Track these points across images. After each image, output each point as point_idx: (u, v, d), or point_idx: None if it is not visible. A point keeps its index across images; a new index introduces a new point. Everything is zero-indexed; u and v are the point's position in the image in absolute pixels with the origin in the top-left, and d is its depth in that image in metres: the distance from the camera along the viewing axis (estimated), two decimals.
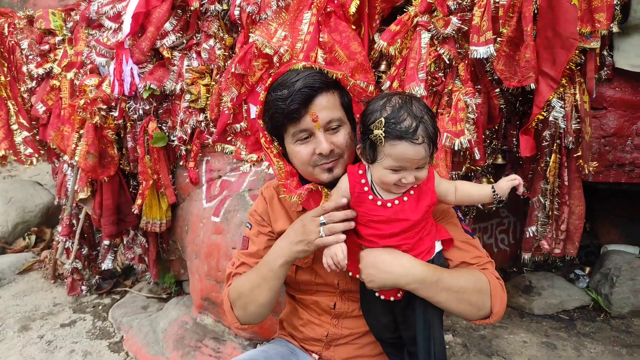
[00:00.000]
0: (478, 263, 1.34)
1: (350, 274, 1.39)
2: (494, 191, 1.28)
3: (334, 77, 1.30)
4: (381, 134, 1.12)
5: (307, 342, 1.57)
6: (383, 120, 1.12)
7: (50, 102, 3.30)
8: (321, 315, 1.53)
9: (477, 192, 1.32)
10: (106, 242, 3.26)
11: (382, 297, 1.30)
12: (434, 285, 1.22)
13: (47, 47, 3.29)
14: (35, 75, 3.34)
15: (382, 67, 2.43)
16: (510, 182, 1.27)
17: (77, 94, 2.97)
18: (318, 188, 1.35)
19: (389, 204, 1.21)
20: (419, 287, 1.22)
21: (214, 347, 2.53)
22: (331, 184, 1.34)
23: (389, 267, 1.22)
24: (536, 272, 3.07)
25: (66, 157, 3.03)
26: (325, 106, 1.26)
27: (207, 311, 2.70)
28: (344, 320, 1.51)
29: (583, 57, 2.05)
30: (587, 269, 3.03)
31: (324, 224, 1.26)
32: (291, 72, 1.27)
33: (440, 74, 2.22)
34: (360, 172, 1.26)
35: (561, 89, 2.04)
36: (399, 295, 1.29)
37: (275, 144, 1.38)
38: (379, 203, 1.22)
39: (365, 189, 1.24)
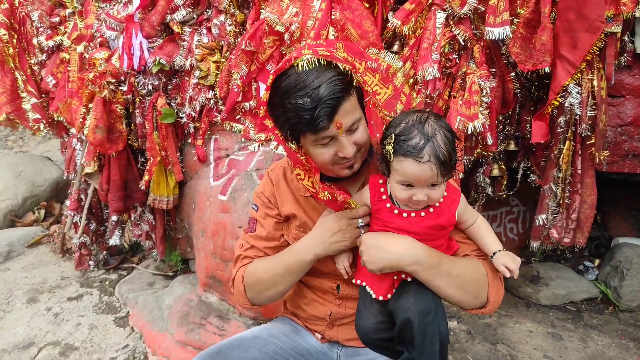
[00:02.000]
0: (479, 255, 1.33)
1: (353, 280, 1.37)
2: (491, 257, 1.26)
3: (347, 71, 1.17)
4: (390, 150, 1.15)
5: (310, 321, 1.56)
6: (393, 136, 1.15)
7: (60, 75, 3.29)
8: (325, 295, 1.52)
9: (481, 242, 1.30)
10: (114, 217, 3.28)
11: (381, 297, 1.27)
12: (433, 268, 1.21)
13: (57, 19, 3.27)
14: (46, 48, 3.33)
15: (395, 48, 2.38)
16: (503, 267, 1.21)
17: (87, 67, 2.95)
18: (345, 199, 1.31)
19: (404, 214, 1.23)
20: (419, 269, 1.21)
21: (218, 324, 2.54)
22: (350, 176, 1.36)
23: (390, 246, 1.21)
24: (544, 262, 3.03)
25: (75, 131, 3.02)
26: (348, 111, 1.19)
27: (212, 289, 2.71)
28: (348, 301, 1.49)
29: (604, 41, 1.98)
30: (597, 261, 2.99)
31: (362, 225, 1.33)
32: (307, 74, 1.14)
33: (454, 56, 2.17)
34: (381, 181, 1.29)
35: (579, 75, 1.98)
36: (392, 291, 1.27)
37: (290, 143, 1.28)
38: (396, 212, 1.24)
39: (384, 197, 1.26)
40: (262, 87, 2.60)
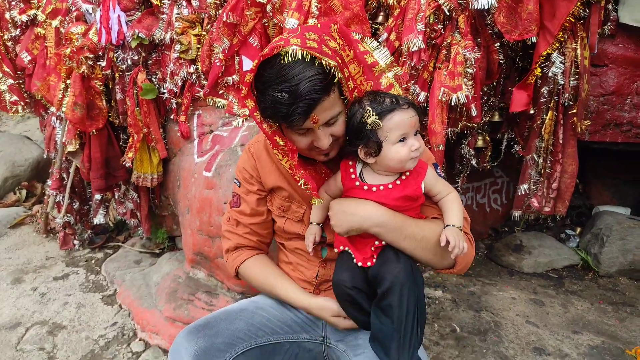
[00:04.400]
0: None
1: (335, 249, 1.41)
2: (446, 225, 1.29)
3: (331, 68, 1.16)
4: (375, 118, 1.22)
5: None
6: (370, 109, 1.23)
7: (35, 51, 3.19)
8: (310, 260, 1.53)
9: (445, 215, 1.33)
10: (97, 196, 3.23)
11: (360, 264, 1.32)
12: (397, 230, 1.26)
13: None
14: (19, 23, 3.22)
15: (380, 19, 2.34)
16: (444, 237, 1.23)
17: (63, 42, 2.86)
18: (312, 190, 1.34)
19: (374, 189, 1.29)
20: (382, 231, 1.26)
21: (207, 300, 2.55)
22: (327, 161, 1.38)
23: (354, 209, 1.28)
24: (527, 232, 3.10)
25: (54, 109, 2.95)
26: (326, 108, 1.20)
27: (199, 265, 2.71)
28: (333, 263, 1.50)
29: (587, 10, 1.98)
30: (578, 229, 3.06)
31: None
32: (290, 67, 1.14)
33: (439, 26, 2.15)
34: (350, 163, 1.35)
35: (557, 44, 1.98)
36: (373, 260, 1.31)
37: (272, 123, 1.29)
38: (365, 187, 1.31)
39: (353, 176, 1.33)
40: (245, 61, 2.55)
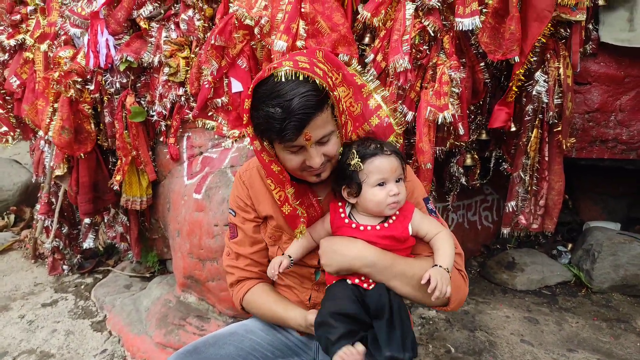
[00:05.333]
0: None
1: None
2: (434, 265, 1.29)
3: (323, 87, 1.20)
4: (358, 161, 1.29)
5: None
6: (354, 151, 1.31)
7: (25, 76, 3.19)
8: (303, 282, 1.52)
9: (435, 254, 1.33)
10: (87, 220, 3.21)
11: (356, 281, 1.32)
12: (386, 269, 1.27)
13: (18, 17, 3.17)
14: (7, 47, 3.22)
15: (366, 40, 2.37)
16: (428, 275, 1.23)
17: (52, 66, 2.86)
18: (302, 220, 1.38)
19: (361, 228, 1.33)
20: (372, 271, 1.28)
21: (198, 324, 2.51)
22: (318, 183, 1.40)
23: (344, 250, 1.30)
24: (519, 248, 3.09)
25: (42, 134, 2.93)
26: (319, 125, 1.22)
27: (190, 289, 2.67)
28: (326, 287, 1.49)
29: (568, 30, 2.02)
30: (570, 246, 3.06)
31: None
32: (284, 84, 1.17)
33: (425, 47, 2.18)
34: (340, 204, 1.40)
35: (526, 66, 2.01)
36: (371, 285, 1.31)
37: (267, 146, 1.32)
38: (354, 226, 1.34)
39: (342, 215, 1.37)
40: (234, 83, 2.56)
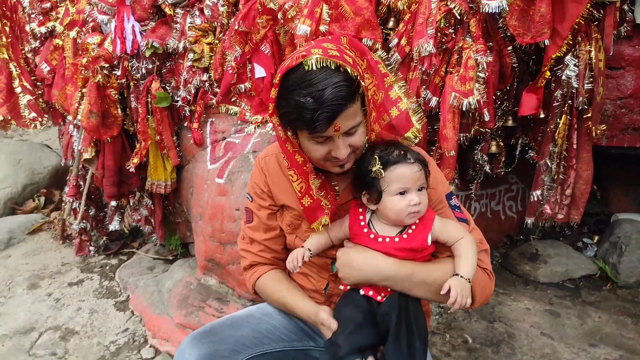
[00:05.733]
0: None
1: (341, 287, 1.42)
2: (455, 274, 1.26)
3: (355, 76, 1.17)
4: (379, 168, 1.26)
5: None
6: (377, 157, 1.28)
7: (54, 62, 3.26)
8: (320, 271, 1.52)
9: (455, 262, 1.29)
10: (113, 203, 3.28)
11: (370, 293, 1.32)
12: (406, 280, 1.26)
13: (48, 4, 3.23)
14: (38, 35, 3.30)
15: (390, 24, 2.33)
16: (448, 285, 1.21)
17: (80, 52, 2.92)
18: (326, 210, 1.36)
19: (379, 239, 1.31)
20: (391, 284, 1.27)
21: (217, 307, 2.55)
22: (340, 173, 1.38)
23: (361, 265, 1.28)
24: (543, 240, 3.02)
25: (71, 118, 3.00)
26: (349, 116, 1.20)
27: (211, 272, 2.71)
28: None
29: (602, 11, 1.94)
30: (596, 238, 2.97)
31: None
32: (315, 73, 1.14)
33: (450, 30, 2.13)
34: (360, 210, 1.38)
35: (565, 47, 1.93)
36: (379, 297, 1.31)
37: (290, 136, 1.29)
38: (372, 236, 1.32)
39: (362, 223, 1.35)
40: (257, 68, 2.56)
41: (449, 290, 1.20)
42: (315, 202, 1.34)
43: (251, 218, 1.56)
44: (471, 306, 1.31)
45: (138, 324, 2.70)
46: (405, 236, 1.30)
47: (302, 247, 1.42)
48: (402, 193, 1.26)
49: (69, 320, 2.76)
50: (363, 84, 1.20)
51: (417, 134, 1.36)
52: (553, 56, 1.94)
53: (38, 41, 3.39)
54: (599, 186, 3.14)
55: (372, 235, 1.31)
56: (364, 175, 1.31)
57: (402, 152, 1.29)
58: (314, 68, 1.14)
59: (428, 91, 2.18)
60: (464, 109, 2.04)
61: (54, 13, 3.25)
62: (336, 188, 1.42)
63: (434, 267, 1.30)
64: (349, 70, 1.16)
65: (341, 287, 1.39)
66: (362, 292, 1.32)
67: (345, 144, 1.24)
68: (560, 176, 2.09)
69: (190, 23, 2.66)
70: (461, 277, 1.23)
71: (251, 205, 1.56)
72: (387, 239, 1.30)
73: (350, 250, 1.34)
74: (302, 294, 1.50)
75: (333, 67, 1.15)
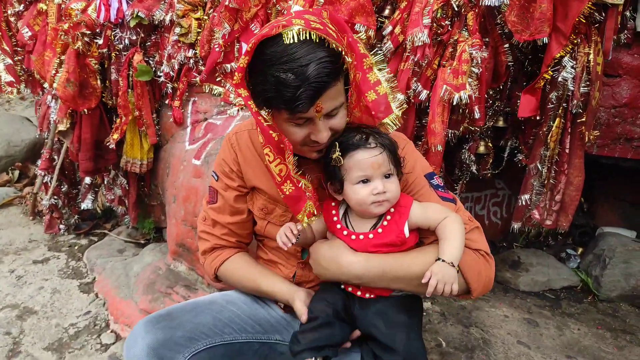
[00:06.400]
0: None
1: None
2: (437, 259, 1.14)
3: (340, 51, 1.08)
4: (338, 154, 1.17)
5: None
6: (337, 143, 1.18)
7: (37, 28, 3.12)
8: (289, 259, 1.42)
9: (440, 244, 1.17)
10: (87, 180, 3.16)
11: (350, 289, 1.25)
12: (378, 279, 1.17)
13: None
14: None
15: (386, 12, 2.25)
16: (429, 274, 1.10)
17: (63, 18, 2.79)
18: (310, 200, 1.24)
19: (353, 237, 1.21)
20: (363, 282, 1.19)
21: (185, 294, 2.44)
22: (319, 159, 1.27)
23: (327, 263, 1.22)
24: (527, 248, 2.96)
25: (48, 86, 2.87)
26: (332, 96, 1.10)
27: (181, 258, 2.60)
28: None
29: (603, 14, 1.88)
30: (580, 250, 2.92)
31: None
32: (297, 47, 1.04)
33: (447, 22, 2.05)
34: (333, 204, 1.28)
35: (569, 47, 1.87)
36: (359, 293, 1.23)
37: (264, 113, 1.17)
38: (345, 233, 1.23)
39: (335, 218, 1.25)
40: (245, 48, 2.46)
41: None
42: (297, 189, 1.21)
43: (215, 198, 1.43)
44: (471, 296, 1.21)
45: (101, 307, 2.58)
46: (380, 230, 1.19)
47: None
48: (364, 181, 1.16)
49: (28, 299, 2.62)
50: (348, 59, 1.11)
51: (396, 122, 1.24)
52: (557, 56, 1.86)
53: (22, 5, 3.25)
54: (586, 198, 3.10)
55: (345, 232, 1.22)
56: (326, 164, 1.22)
57: (363, 136, 1.18)
58: (296, 40, 1.03)
59: (419, 84, 2.10)
60: (454, 103, 1.97)
61: None
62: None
63: (414, 258, 1.18)
64: (333, 45, 1.06)
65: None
66: (342, 285, 1.24)
67: (326, 126, 1.14)
68: (550, 181, 2.02)
69: None
70: (443, 261, 1.10)
71: (216, 184, 1.43)
72: (361, 236, 1.20)
73: (320, 246, 1.25)
74: (277, 277, 1.40)
75: (316, 41, 1.05)
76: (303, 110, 1.07)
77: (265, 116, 1.17)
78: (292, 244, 1.23)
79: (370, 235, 1.19)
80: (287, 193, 1.22)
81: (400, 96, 1.25)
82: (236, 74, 1.11)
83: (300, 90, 1.03)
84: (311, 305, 1.25)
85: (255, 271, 1.42)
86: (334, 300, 1.22)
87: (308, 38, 1.04)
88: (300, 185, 1.21)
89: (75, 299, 2.66)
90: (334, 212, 1.26)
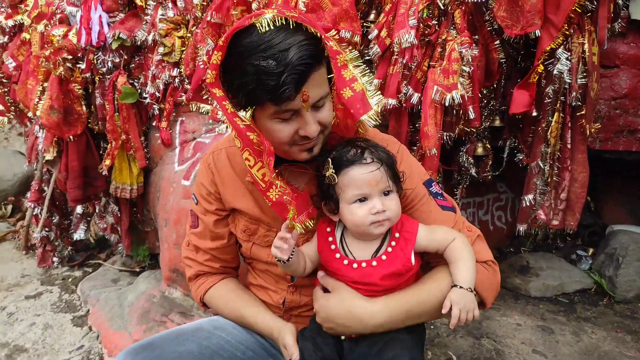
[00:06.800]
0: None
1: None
2: (453, 285, 1.08)
3: (318, 35, 1.03)
4: (332, 172, 1.08)
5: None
6: (329, 159, 1.10)
7: (21, 58, 3.08)
8: (278, 282, 1.32)
9: (452, 269, 1.11)
10: (79, 210, 3.08)
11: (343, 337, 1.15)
12: (401, 321, 1.09)
13: None
14: (7, 29, 3.13)
15: (372, 17, 2.21)
16: (449, 303, 1.04)
17: (46, 45, 2.75)
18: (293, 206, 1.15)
19: (354, 265, 1.11)
20: (384, 329, 1.10)
21: (180, 321, 2.33)
22: (308, 161, 1.18)
23: (345, 321, 1.10)
24: (535, 252, 2.85)
25: (32, 114, 2.82)
26: (317, 83, 1.03)
27: (175, 284, 2.49)
28: (303, 289, 1.29)
29: (595, 2, 1.81)
30: (591, 250, 2.81)
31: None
32: (273, 33, 0.98)
33: (433, 22, 1.99)
34: (329, 229, 1.17)
35: (561, 39, 1.80)
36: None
37: (242, 114, 1.10)
38: (346, 262, 1.12)
39: (333, 247, 1.15)
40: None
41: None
42: (281, 194, 1.13)
43: (196, 223, 1.35)
44: (485, 308, 1.17)
45: (95, 340, 2.47)
46: (384, 257, 1.10)
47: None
48: (362, 200, 1.08)
49: (19, 337, 2.52)
50: (330, 43, 1.04)
51: (375, 118, 1.15)
52: (547, 48, 1.79)
53: (7, 36, 3.22)
54: (592, 197, 3.00)
55: (346, 262, 1.11)
56: (320, 182, 1.14)
57: (359, 151, 1.09)
58: (272, 27, 0.98)
59: (409, 87, 2.03)
60: (447, 104, 1.89)
61: (22, 6, 3.09)
62: (298, 187, 1.23)
63: (430, 290, 1.11)
64: (311, 30, 1.00)
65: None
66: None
67: (314, 119, 1.06)
68: (554, 179, 1.93)
69: (162, 15, 2.51)
70: (461, 287, 1.05)
71: (196, 208, 1.36)
72: (364, 264, 1.10)
73: (328, 302, 1.12)
74: (262, 307, 1.32)
75: (293, 26, 0.99)
76: (290, 97, 0.99)
77: (242, 117, 1.09)
78: (287, 258, 1.09)
79: (374, 263, 1.10)
80: (274, 199, 1.14)
81: (370, 86, 1.17)
82: (209, 72, 1.04)
83: (283, 76, 0.96)
84: (301, 342, 1.16)
85: (238, 299, 1.33)
86: (324, 341, 1.13)
87: (284, 24, 0.98)
88: (282, 193, 1.12)
89: (68, 333, 2.55)
90: (330, 238, 1.16)
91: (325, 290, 1.17)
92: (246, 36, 1.00)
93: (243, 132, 1.08)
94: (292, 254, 1.09)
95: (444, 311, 1.04)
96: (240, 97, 1.05)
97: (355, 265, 1.11)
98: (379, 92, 2.01)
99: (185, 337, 1.27)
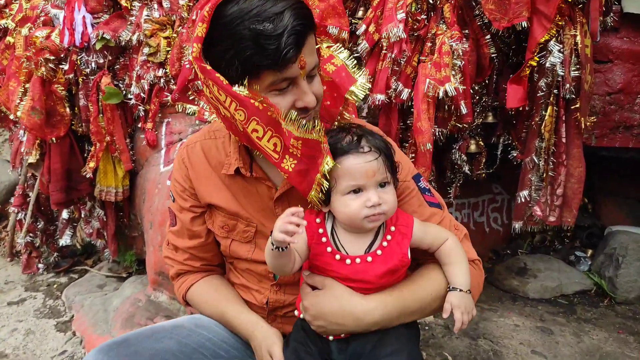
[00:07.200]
0: None
1: (296, 312, 1.16)
2: (449, 289, 1.07)
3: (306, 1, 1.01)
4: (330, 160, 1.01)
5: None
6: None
7: (5, 62, 3.03)
8: (261, 281, 1.25)
9: (447, 271, 1.09)
10: (64, 215, 3.00)
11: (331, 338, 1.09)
12: (396, 318, 1.06)
13: (2, 1, 3.03)
14: None
15: (360, 14, 2.17)
16: (449, 306, 1.03)
17: (29, 47, 2.69)
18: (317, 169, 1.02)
19: (348, 261, 1.04)
20: (380, 327, 1.05)
21: None
22: None
23: (339, 319, 1.04)
24: (532, 254, 2.79)
25: (12, 116, 2.75)
26: (311, 49, 0.99)
27: (161, 287, 2.42)
28: (287, 287, 1.23)
29: None
30: (589, 251, 2.75)
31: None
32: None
33: (423, 16, 1.95)
34: (318, 220, 1.09)
35: (554, 30, 1.76)
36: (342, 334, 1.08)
37: (237, 89, 0.99)
38: (338, 257, 1.05)
39: (324, 239, 1.07)
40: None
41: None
42: (300, 160, 1.01)
43: (174, 221, 1.30)
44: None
45: (78, 345, 2.40)
46: (379, 252, 1.04)
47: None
48: (356, 191, 1.01)
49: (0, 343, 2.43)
50: (317, 10, 1.01)
51: (365, 88, 1.10)
52: (541, 40, 1.75)
53: None
54: (589, 198, 2.94)
55: (338, 257, 1.04)
56: None
57: (355, 138, 1.02)
58: None
59: (399, 82, 1.98)
60: (439, 98, 1.84)
61: (7, 10, 3.04)
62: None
63: (424, 287, 1.09)
64: None
65: (295, 312, 1.15)
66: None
67: (310, 88, 1.01)
68: (549, 174, 1.88)
69: (147, 16, 2.46)
70: (460, 290, 1.03)
71: (173, 205, 1.29)
72: (358, 260, 1.04)
73: (319, 299, 1.06)
74: (244, 306, 1.26)
75: None
76: (292, 58, 0.93)
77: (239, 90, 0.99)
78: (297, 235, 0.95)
79: (369, 259, 1.04)
80: (291, 170, 1.01)
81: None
82: (195, 44, 0.96)
83: (283, 37, 0.91)
84: (285, 350, 1.10)
85: (219, 297, 1.27)
86: (311, 347, 1.07)
87: None
88: (303, 155, 1.00)
89: (51, 339, 2.47)
90: (321, 230, 1.07)
91: (314, 289, 1.10)
92: (232, 5, 0.93)
93: (247, 100, 0.97)
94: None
95: (445, 315, 1.03)
96: (232, 69, 0.96)
97: (348, 261, 1.04)
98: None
99: (163, 334, 1.20)
